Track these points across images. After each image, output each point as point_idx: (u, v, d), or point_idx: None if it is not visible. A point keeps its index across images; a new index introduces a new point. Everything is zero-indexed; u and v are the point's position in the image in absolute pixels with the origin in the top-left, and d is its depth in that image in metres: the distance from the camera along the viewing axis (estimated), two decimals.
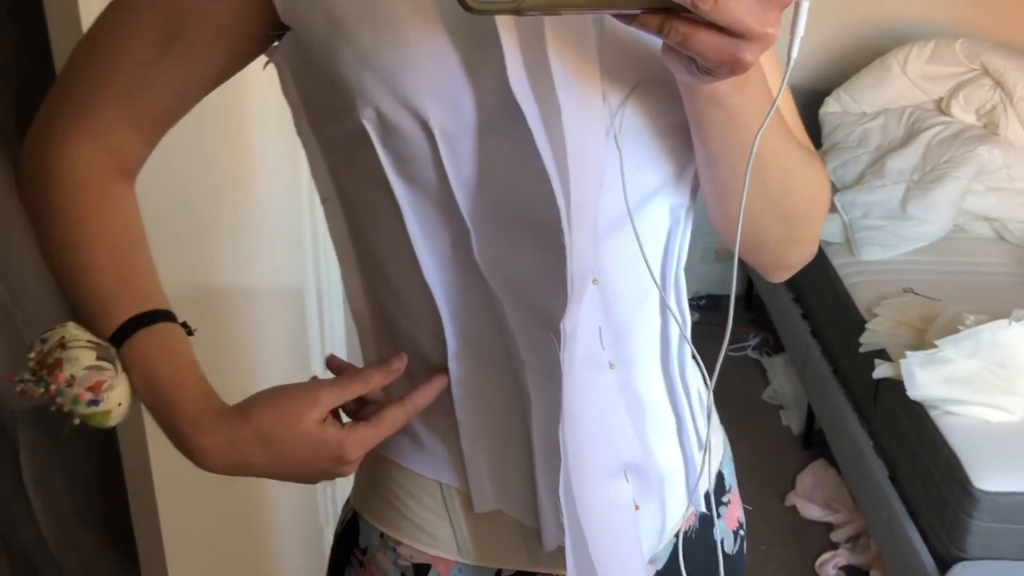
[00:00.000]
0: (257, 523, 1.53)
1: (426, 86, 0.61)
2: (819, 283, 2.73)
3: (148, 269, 0.71)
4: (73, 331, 0.65)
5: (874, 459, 2.21)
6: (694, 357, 0.77)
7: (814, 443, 2.77)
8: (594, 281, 0.69)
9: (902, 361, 2.05)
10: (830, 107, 3.16)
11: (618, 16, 0.53)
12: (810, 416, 2.78)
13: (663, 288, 0.74)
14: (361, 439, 0.65)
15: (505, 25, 0.58)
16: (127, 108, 0.69)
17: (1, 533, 1.14)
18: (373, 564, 0.80)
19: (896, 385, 2.08)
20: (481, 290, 0.69)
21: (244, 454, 0.65)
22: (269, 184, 1.60)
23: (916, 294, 2.48)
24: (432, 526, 0.78)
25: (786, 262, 0.76)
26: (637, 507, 0.76)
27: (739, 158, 0.63)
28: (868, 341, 2.31)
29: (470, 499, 0.76)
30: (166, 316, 0.68)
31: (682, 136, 0.68)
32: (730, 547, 0.88)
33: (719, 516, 0.86)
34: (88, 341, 0.65)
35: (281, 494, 1.65)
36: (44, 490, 1.17)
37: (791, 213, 0.70)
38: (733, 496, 0.89)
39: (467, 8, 0.50)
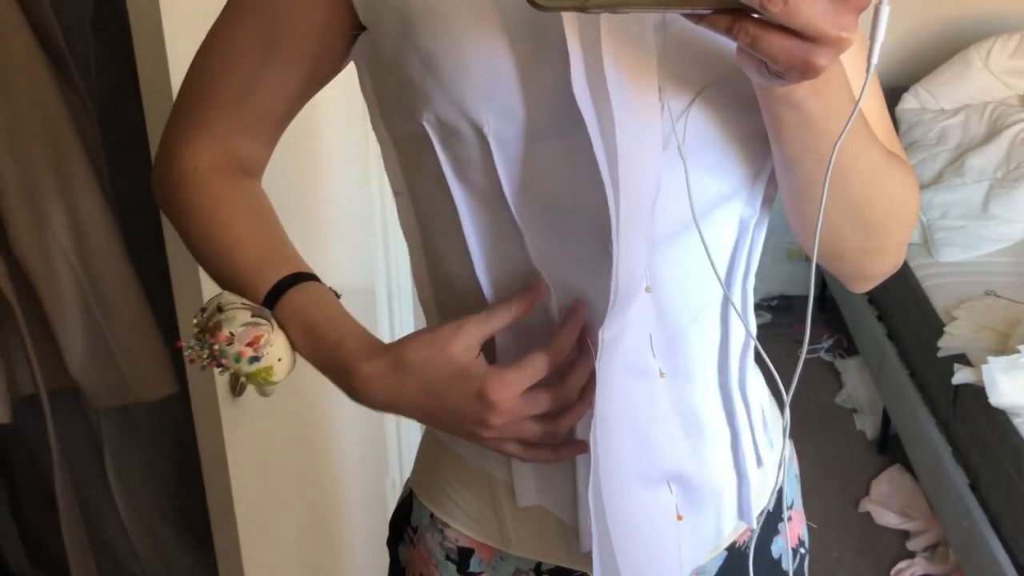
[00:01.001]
0: (328, 520, 1.56)
1: (482, 94, 0.62)
2: (895, 284, 2.66)
3: (287, 242, 0.75)
4: (228, 297, 0.69)
5: (953, 466, 2.14)
6: (765, 366, 0.76)
7: (889, 448, 2.71)
8: (647, 289, 0.69)
9: (983, 366, 1.99)
10: (907, 104, 3.07)
11: (687, 16, 0.52)
12: (885, 421, 2.71)
13: (726, 299, 0.73)
14: (502, 377, 0.65)
15: (572, 28, 0.58)
16: (238, 115, 0.73)
17: (88, 526, 1.18)
18: (422, 543, 0.83)
19: (977, 391, 2.02)
20: None
21: (398, 381, 0.67)
22: (340, 187, 1.62)
23: (999, 297, 2.40)
24: (478, 513, 0.80)
25: (867, 272, 0.73)
26: (680, 517, 0.76)
27: (816, 163, 0.61)
28: (947, 345, 2.25)
29: (515, 492, 0.77)
30: (311, 277, 0.72)
31: (753, 144, 0.66)
32: (788, 564, 0.87)
33: (777, 532, 0.85)
34: (243, 303, 0.69)
35: (353, 490, 1.67)
36: (126, 486, 1.21)
37: (873, 222, 0.68)
38: (795, 513, 0.88)
39: (534, 5, 0.50)
